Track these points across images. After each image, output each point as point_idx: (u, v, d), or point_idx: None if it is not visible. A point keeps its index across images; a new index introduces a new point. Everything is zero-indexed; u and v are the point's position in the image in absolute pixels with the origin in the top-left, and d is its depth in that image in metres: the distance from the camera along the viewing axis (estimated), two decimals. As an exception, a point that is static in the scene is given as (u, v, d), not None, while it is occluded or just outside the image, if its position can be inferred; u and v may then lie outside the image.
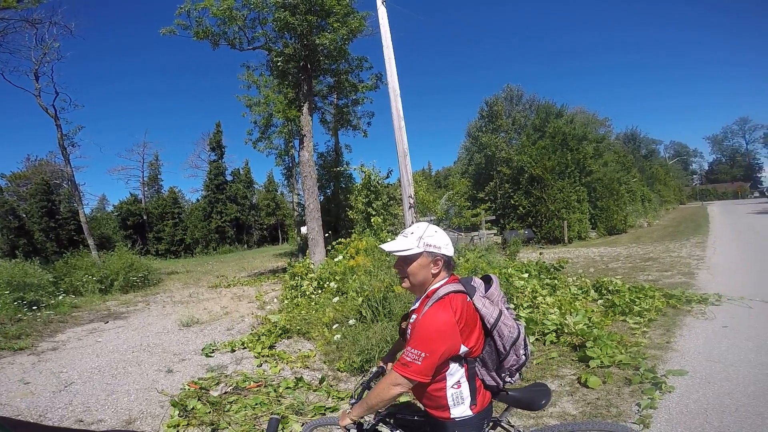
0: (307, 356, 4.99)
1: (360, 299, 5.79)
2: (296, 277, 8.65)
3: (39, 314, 8.42)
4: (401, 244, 1.59)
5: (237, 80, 14.74)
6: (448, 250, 1.60)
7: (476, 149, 25.27)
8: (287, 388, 4.00)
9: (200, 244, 40.80)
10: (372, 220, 9.72)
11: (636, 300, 6.12)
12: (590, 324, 4.92)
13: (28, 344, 6.35)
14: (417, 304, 1.64)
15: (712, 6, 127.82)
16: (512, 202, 21.56)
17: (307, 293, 7.85)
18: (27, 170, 37.06)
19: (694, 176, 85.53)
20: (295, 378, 4.20)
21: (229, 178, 44.72)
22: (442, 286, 1.57)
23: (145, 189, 43.90)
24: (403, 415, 1.89)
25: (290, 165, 22.00)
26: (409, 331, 1.62)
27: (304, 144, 12.16)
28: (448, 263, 1.62)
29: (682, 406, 3.22)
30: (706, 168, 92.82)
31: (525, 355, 1.65)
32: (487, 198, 23.19)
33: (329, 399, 3.80)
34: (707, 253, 11.22)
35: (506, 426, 1.91)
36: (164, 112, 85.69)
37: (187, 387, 4.19)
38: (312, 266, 9.67)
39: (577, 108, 37.34)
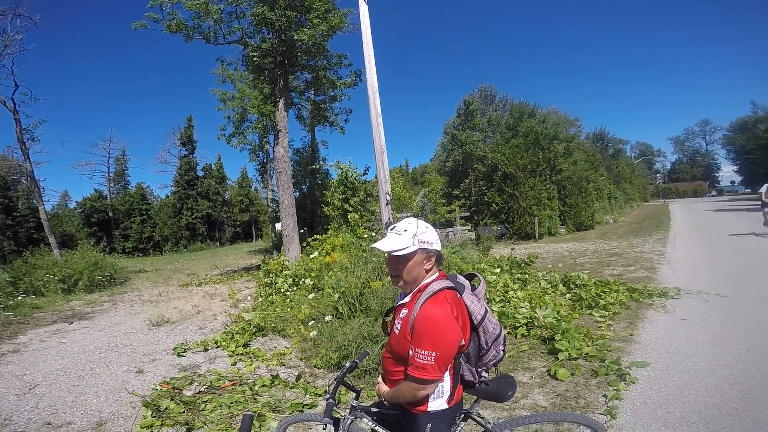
0: (283, 354, 4.95)
1: (336, 295, 5.78)
2: (271, 275, 8.55)
3: (-4, 316, 7.98)
4: (397, 243, 1.56)
5: (209, 75, 14.45)
6: (439, 245, 1.63)
7: (453, 147, 25.64)
8: (263, 386, 3.98)
9: (170, 241, 39.51)
10: (349, 217, 9.73)
11: (602, 294, 6.35)
12: (559, 317, 5.07)
13: (-16, 346, 6.04)
14: (407, 299, 1.63)
15: (676, 15, 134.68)
16: (486, 199, 22.06)
17: (282, 290, 7.77)
18: (-19, 166, 34.72)
19: (658, 175, 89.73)
20: (271, 376, 4.18)
21: (200, 173, 43.56)
22: (434, 281, 1.59)
23: (111, 185, 42.09)
24: (379, 409, 1.91)
25: (264, 161, 21.66)
26: (398, 326, 1.61)
27: (279, 139, 12.00)
28: (439, 258, 1.65)
29: (646, 397, 3.33)
30: (669, 167, 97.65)
31: (503, 350, 1.72)
32: (462, 195, 23.59)
33: (306, 396, 3.80)
34: (668, 249, 11.77)
35: (476, 418, 1.96)
36: (132, 107, 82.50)
37: (159, 387, 4.11)
38: (287, 263, 9.58)
39: (549, 108, 38.47)
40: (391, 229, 1.64)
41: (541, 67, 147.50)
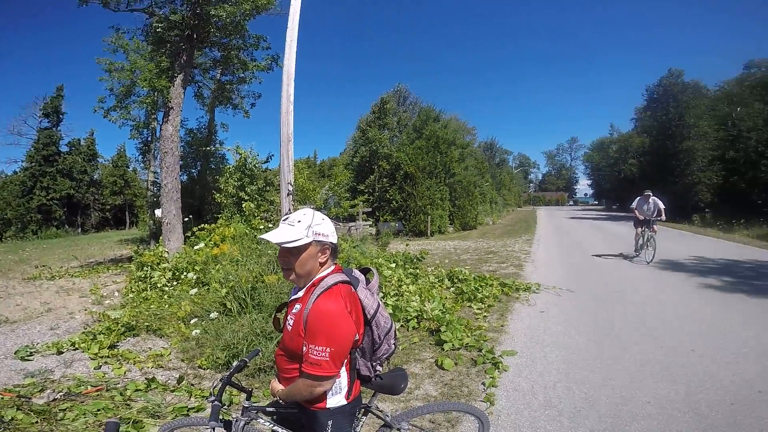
0: (160, 355, 4.46)
1: (224, 290, 5.37)
2: (145, 267, 7.53)
3: None
4: (289, 234, 1.49)
5: (89, 44, 12.01)
6: (335, 238, 1.59)
7: (363, 142, 25.98)
8: (137, 390, 3.54)
9: (14, 225, 32.29)
10: (243, 206, 9.17)
11: (479, 288, 6.89)
12: (444, 310, 5.35)
13: None
14: (301, 293, 1.58)
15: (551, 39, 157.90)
16: (388, 196, 22.98)
17: (159, 285, 6.94)
18: None
19: (531, 184, 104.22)
20: (147, 379, 3.75)
21: (64, 149, 36.50)
22: (329, 275, 1.56)
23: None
24: (276, 409, 1.85)
25: (149, 139, 19.11)
26: (291, 321, 1.55)
27: (170, 117, 10.68)
28: (334, 251, 1.61)
29: (516, 384, 3.63)
30: (540, 178, 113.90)
31: (395, 344, 1.75)
32: (366, 190, 24.14)
33: (192, 399, 3.50)
34: (533, 249, 13.39)
35: (376, 411, 2.01)
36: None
37: None
38: (166, 255, 8.59)
39: (452, 115, 41.55)
40: (284, 220, 1.57)
41: (451, 76, 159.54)
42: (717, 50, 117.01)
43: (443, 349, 4.40)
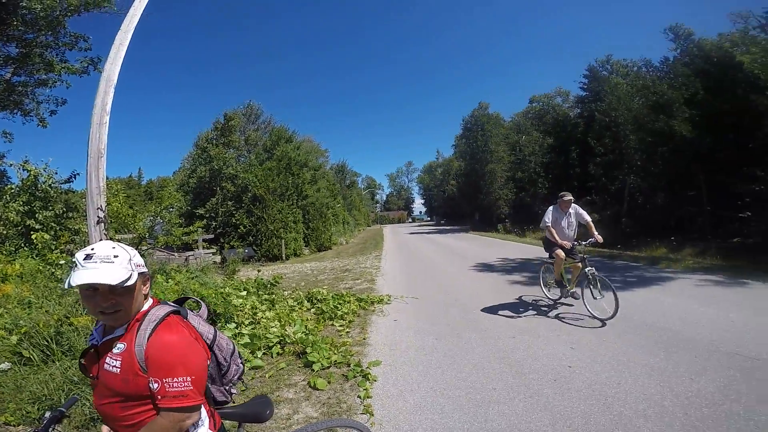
0: None
1: (15, 338, 4.36)
2: None
3: None
4: (118, 274, 1.33)
5: None
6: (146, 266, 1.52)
7: (202, 161, 23.39)
8: None
9: None
10: (34, 237, 7.06)
11: (338, 306, 7.11)
12: (307, 331, 5.41)
13: None
14: (121, 332, 1.42)
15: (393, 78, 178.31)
16: (234, 221, 21.32)
17: None
18: None
19: (378, 204, 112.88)
20: None
21: None
22: (150, 308, 1.47)
23: None
24: None
25: None
26: (115, 363, 1.38)
27: None
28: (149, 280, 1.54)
29: (386, 391, 3.82)
30: (384, 198, 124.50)
31: (242, 362, 1.77)
32: (207, 215, 21.76)
33: None
34: (382, 263, 14.43)
35: None
36: None
37: None
38: None
39: (306, 137, 41.73)
40: (86, 258, 1.34)
41: (303, 98, 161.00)
42: (514, 83, 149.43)
43: (313, 370, 4.40)
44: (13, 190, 8.02)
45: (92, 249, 1.37)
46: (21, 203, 7.69)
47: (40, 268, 6.48)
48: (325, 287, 9.20)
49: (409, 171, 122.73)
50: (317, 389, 4.00)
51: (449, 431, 3.11)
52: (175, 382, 1.34)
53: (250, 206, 20.95)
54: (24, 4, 8.36)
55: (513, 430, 3.04)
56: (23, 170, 8.14)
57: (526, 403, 3.42)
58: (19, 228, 7.60)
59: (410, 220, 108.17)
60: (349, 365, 4.48)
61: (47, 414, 1.58)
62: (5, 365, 4.04)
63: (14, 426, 3.35)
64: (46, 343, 4.25)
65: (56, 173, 8.42)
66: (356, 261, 16.38)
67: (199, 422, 1.51)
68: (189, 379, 1.36)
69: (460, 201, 50.00)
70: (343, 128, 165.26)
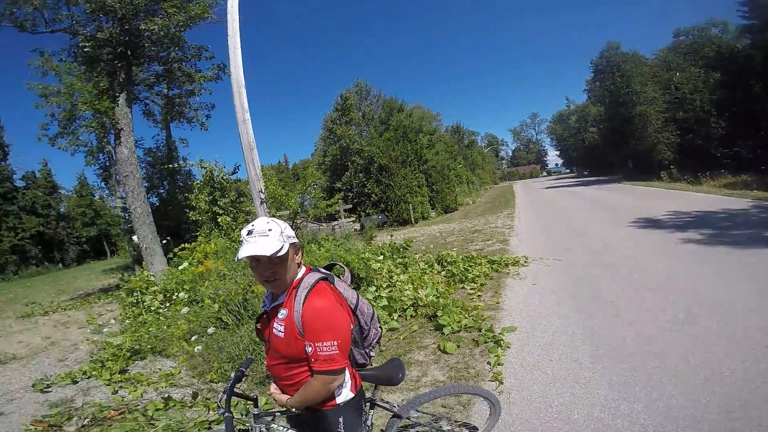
0: (171, 374, 4.49)
1: (216, 306, 5.38)
2: (135, 293, 7.46)
3: None
4: (272, 245, 1.46)
5: (20, 67, 11.34)
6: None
7: (332, 141, 25.79)
8: (157, 410, 3.55)
9: (-9, 269, 30.65)
10: (219, 220, 8.92)
11: (469, 268, 6.83)
12: (438, 294, 5.30)
13: None
14: (283, 299, 1.58)
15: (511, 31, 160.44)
16: (366, 190, 22.95)
17: (153, 308, 6.89)
18: None
19: (503, 161, 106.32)
20: (163, 398, 3.74)
21: (20, 183, 34.57)
22: (304, 275, 1.58)
23: None
24: (287, 414, 1.81)
25: (107, 164, 18.34)
26: (280, 328, 1.54)
27: (122, 139, 10.24)
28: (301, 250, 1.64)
29: (521, 360, 3.57)
30: (511, 154, 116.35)
31: (380, 327, 1.84)
32: (344, 188, 24.00)
33: (210, 412, 3.50)
34: (515, 222, 13.53)
35: (381, 403, 2.05)
36: None
37: (31, 427, 3.44)
38: (152, 278, 8.39)
39: (415, 104, 41.74)
40: (248, 234, 1.51)
41: (408, 66, 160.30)
42: (646, 19, 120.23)
43: (443, 334, 4.36)
44: (199, 185, 10.18)
45: (252, 225, 1.52)
46: (206, 194, 9.76)
47: (227, 245, 8.14)
48: (454, 249, 9.09)
49: (535, 123, 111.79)
50: (446, 353, 3.94)
51: (593, 408, 2.73)
52: (324, 346, 1.44)
53: (378, 176, 22.18)
54: (143, 27, 9.97)
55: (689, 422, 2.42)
56: (201, 168, 10.26)
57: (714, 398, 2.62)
58: (209, 214, 9.69)
59: (544, 174, 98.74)
60: (480, 330, 4.29)
61: (232, 374, 1.84)
62: (211, 329, 5.05)
63: (216, 383, 4.17)
64: (236, 309, 5.09)
65: (225, 167, 10.36)
66: (485, 221, 15.83)
67: (343, 383, 1.63)
68: (336, 343, 1.45)
69: (605, 149, 43.11)
70: (455, 92, 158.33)
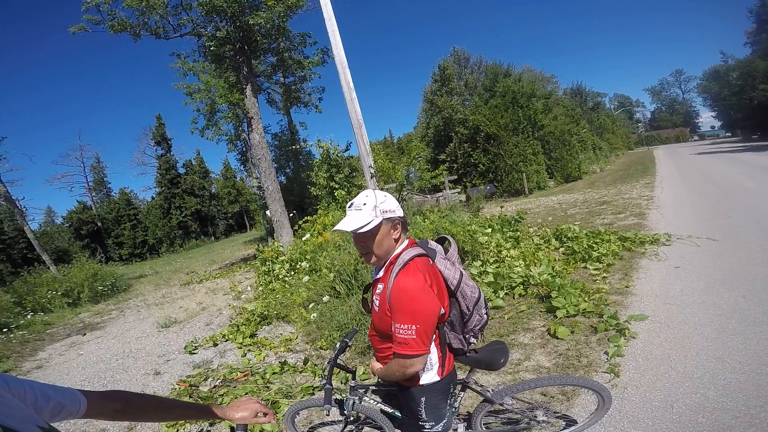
0: (289, 339, 4.94)
1: (332, 275, 5.67)
2: (267, 262, 8.50)
3: (12, 336, 8.12)
4: (360, 219, 1.46)
5: (170, 69, 13.78)
6: (401, 212, 1.57)
7: (433, 112, 25.44)
8: (274, 373, 3.98)
9: (164, 242, 39.30)
10: (336, 194, 9.71)
11: (594, 245, 6.09)
12: (554, 273, 4.84)
13: (11, 366, 6.14)
14: (381, 273, 1.56)
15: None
16: (472, 161, 22.15)
17: (281, 277, 7.67)
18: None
19: (639, 124, 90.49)
20: (280, 363, 4.19)
21: (181, 170, 42.85)
22: (404, 250, 1.53)
23: (93, 194, 41.25)
24: (379, 388, 1.94)
25: (244, 149, 21.35)
26: (377, 302, 1.56)
27: (253, 126, 11.78)
28: (405, 225, 1.58)
29: (647, 353, 3.16)
30: (649, 116, 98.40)
31: (486, 314, 1.68)
32: (448, 159, 23.59)
33: (316, 378, 3.80)
34: (656, 193, 11.67)
35: (474, 387, 1.97)
36: (95, 112, 79.41)
37: (177, 386, 4.16)
38: (281, 249, 9.59)
39: (524, 67, 38.05)
40: (349, 207, 1.54)
41: (513, 22, 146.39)
42: None
43: (556, 317, 4.00)
44: (318, 163, 11.18)
45: (355, 199, 1.54)
46: (324, 171, 10.69)
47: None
48: (577, 223, 8.20)
49: (680, 81, 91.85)
50: (557, 338, 3.61)
51: (724, 414, 2.27)
52: (402, 329, 1.39)
53: (485, 145, 21.13)
54: (251, 22, 10.84)
55: None
56: (319, 147, 11.22)
57: None
58: (327, 189, 10.63)
59: (695, 138, 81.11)
60: (601, 316, 3.83)
61: (337, 345, 1.95)
62: (326, 297, 5.33)
63: (324, 350, 4.44)
64: (348, 279, 5.28)
65: (339, 145, 11.15)
66: (617, 191, 13.88)
67: (428, 366, 1.55)
68: (413, 328, 1.37)
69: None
70: (574, 50, 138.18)
